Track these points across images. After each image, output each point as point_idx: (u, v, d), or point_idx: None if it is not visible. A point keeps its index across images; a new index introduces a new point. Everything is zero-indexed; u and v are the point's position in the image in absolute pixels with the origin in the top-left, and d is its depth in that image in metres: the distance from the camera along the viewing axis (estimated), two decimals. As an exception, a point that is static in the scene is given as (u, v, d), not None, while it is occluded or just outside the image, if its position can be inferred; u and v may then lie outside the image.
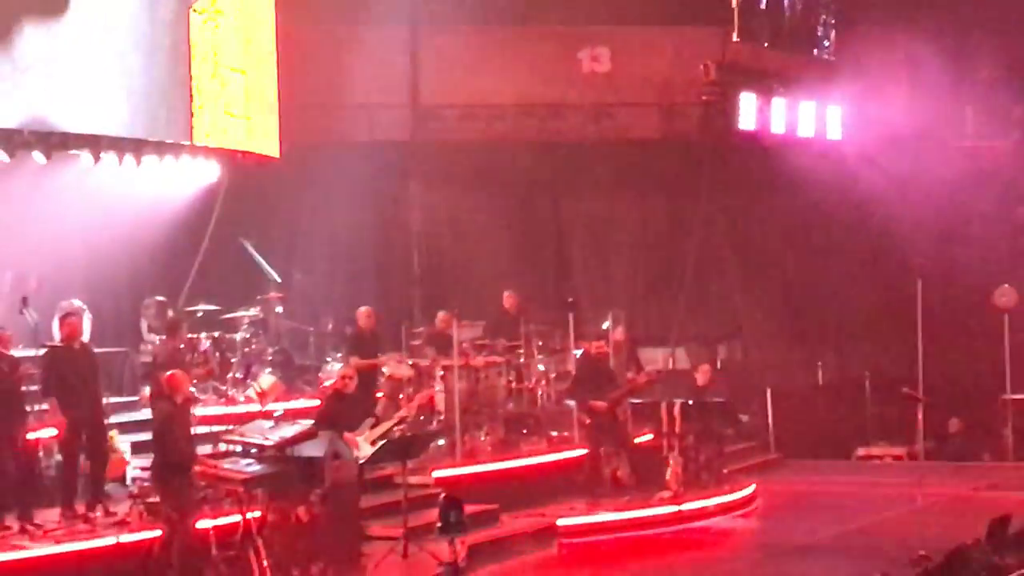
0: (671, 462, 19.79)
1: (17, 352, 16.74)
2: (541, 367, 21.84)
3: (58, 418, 16.13)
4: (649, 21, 26.67)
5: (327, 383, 20.37)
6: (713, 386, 21.23)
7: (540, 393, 21.81)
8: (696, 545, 18.27)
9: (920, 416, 16.05)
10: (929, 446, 17.48)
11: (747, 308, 26.95)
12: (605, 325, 22.10)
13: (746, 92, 27.02)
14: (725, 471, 20.92)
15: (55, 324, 19.30)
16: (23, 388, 16.24)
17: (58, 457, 16.90)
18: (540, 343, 22.00)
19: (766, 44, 28.27)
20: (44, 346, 17.69)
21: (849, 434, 26.41)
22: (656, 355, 24.46)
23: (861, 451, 26.17)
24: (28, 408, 16.42)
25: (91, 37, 20.84)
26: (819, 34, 29.69)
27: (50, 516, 16.04)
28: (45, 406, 16.56)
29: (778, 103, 27.51)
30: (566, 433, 20.92)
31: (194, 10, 22.22)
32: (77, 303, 19.67)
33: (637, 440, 20.44)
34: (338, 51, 25.18)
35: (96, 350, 17.47)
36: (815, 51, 29.64)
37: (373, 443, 16.88)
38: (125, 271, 22.28)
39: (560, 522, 18.45)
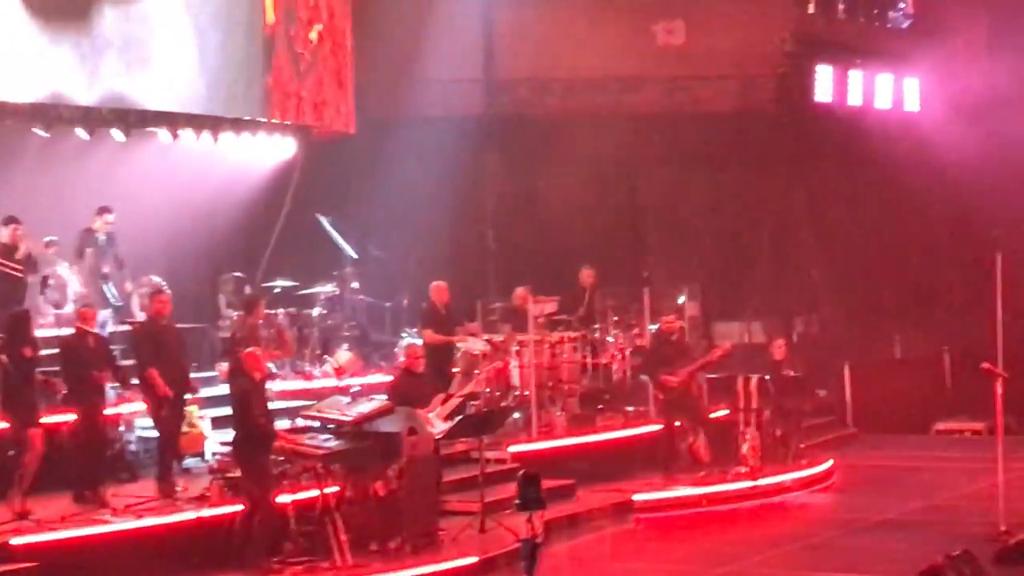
0: (747, 437, 19.78)
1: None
2: (615, 342, 21.82)
3: (150, 392, 16.28)
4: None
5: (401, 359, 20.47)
6: (789, 360, 21.14)
7: (615, 368, 21.79)
8: (772, 520, 18.25)
9: (999, 391, 15.89)
10: (1009, 421, 17.35)
11: (824, 282, 26.78)
12: (680, 300, 22.07)
13: (822, 64, 26.82)
14: (802, 446, 20.85)
15: (134, 300, 19.52)
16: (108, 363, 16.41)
17: (139, 432, 17.08)
18: (615, 318, 21.97)
19: (842, 15, 28.04)
20: (127, 322, 17.89)
21: (927, 408, 26.22)
22: (731, 329, 24.39)
23: (939, 426, 25.98)
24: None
25: (169, 15, 20.99)
26: (896, 4, 29.40)
27: (132, 491, 16.21)
28: (132, 382, 16.75)
29: (855, 75, 27.31)
30: (642, 408, 20.92)
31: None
32: (156, 280, 19.85)
33: (713, 415, 20.39)
34: (413, 25, 25.17)
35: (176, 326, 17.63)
36: (892, 21, 29.37)
37: (446, 418, 16.94)
38: (203, 247, 22.44)
39: (636, 497, 18.49)
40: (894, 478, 20.94)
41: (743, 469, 19.54)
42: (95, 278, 19.20)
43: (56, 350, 16.34)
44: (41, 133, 20.35)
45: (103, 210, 19.55)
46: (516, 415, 19.88)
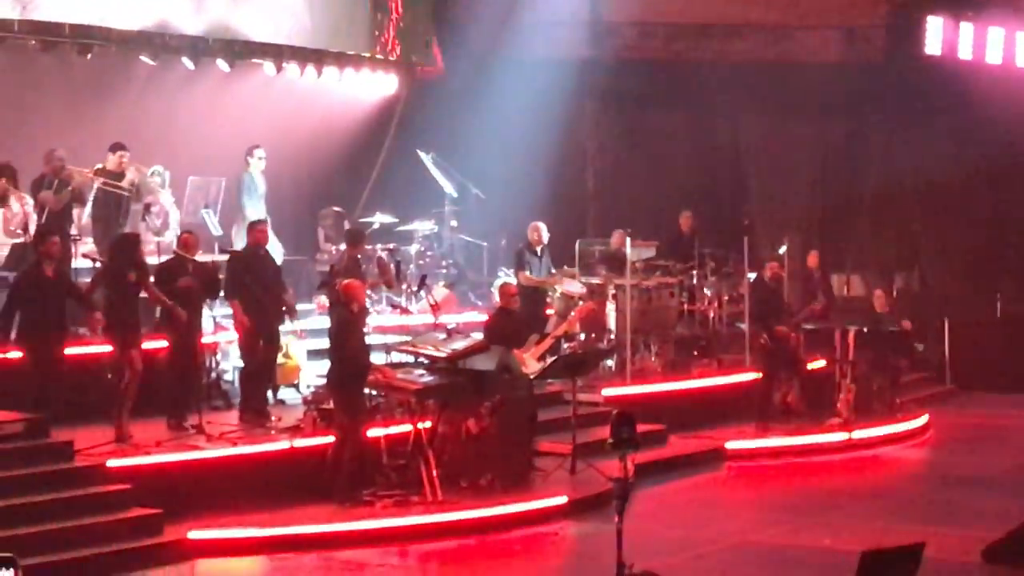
0: (843, 389, 19.64)
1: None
2: (713, 290, 21.70)
3: (243, 319, 16.37)
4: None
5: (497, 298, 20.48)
6: (889, 314, 20.95)
7: (712, 315, 21.69)
8: (864, 473, 18.12)
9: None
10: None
11: (926, 237, 26.48)
12: (782, 250, 21.90)
13: (933, 15, 26.40)
14: (898, 400, 20.69)
15: (234, 230, 19.62)
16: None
17: (236, 361, 17.18)
18: (714, 265, 21.85)
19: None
20: (225, 251, 17.98)
21: (1026, 368, 25.89)
22: (831, 281, 24.19)
23: (1038, 384, 25.66)
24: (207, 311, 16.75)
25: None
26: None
27: (227, 419, 16.34)
28: (227, 310, 16.87)
29: (966, 28, 26.85)
30: (737, 356, 20.80)
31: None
32: (255, 209, 19.93)
33: (810, 366, 20.24)
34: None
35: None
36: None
37: (540, 359, 16.91)
38: (304, 181, 22.55)
39: (729, 445, 18.44)
40: (989, 436, 20.71)
41: (837, 421, 19.42)
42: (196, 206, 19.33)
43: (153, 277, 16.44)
44: (148, 61, 20.48)
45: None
46: (610, 359, 19.84)
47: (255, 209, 19.29)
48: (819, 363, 20.33)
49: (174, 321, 15.79)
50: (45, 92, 20.00)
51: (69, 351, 15.46)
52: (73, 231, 17.74)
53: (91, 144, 18.76)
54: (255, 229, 16.95)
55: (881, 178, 26.13)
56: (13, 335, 14.98)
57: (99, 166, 18.17)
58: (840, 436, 19.08)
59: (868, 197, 26.03)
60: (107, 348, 15.58)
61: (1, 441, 14.02)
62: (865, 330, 19.97)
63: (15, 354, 15.11)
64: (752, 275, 20.89)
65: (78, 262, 17.37)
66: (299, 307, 17.85)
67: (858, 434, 19.17)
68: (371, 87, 23.39)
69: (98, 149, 18.54)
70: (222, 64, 21.19)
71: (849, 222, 25.68)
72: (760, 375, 19.77)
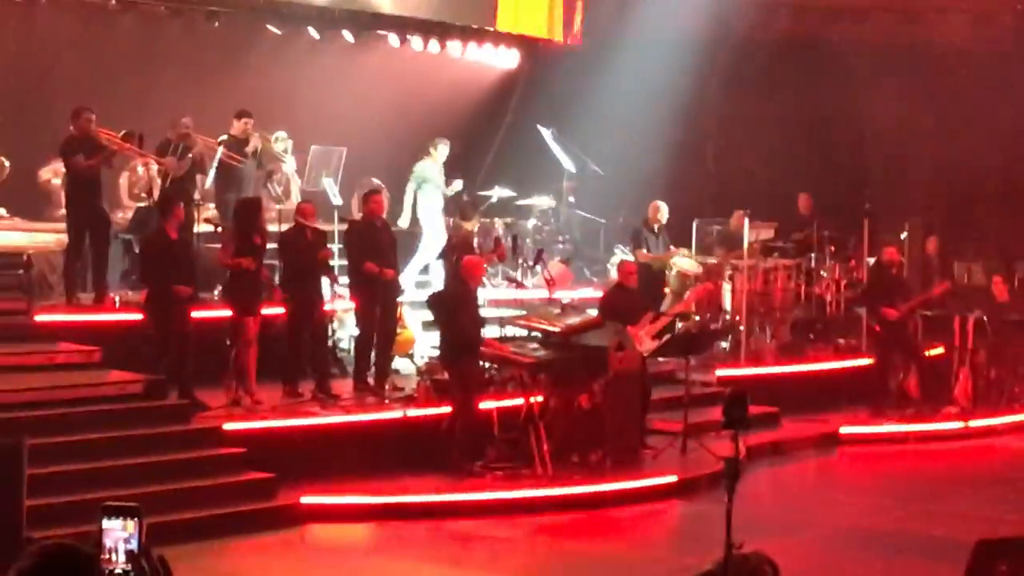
0: (960, 377, 19.43)
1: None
2: (831, 272, 21.53)
3: (360, 291, 16.47)
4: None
5: (614, 276, 20.46)
6: (1010, 303, 20.69)
7: (829, 299, 21.53)
8: (980, 461, 17.91)
9: None
10: None
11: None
12: (903, 235, 21.68)
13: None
14: (1016, 390, 20.42)
15: (354, 200, 19.76)
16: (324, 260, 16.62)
17: (352, 330, 17.31)
18: (832, 248, 21.67)
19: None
20: (344, 220, 18.11)
21: None
22: (952, 268, 23.90)
23: None
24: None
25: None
26: None
27: (342, 387, 16.47)
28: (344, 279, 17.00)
29: None
30: (853, 341, 20.64)
31: None
32: (376, 181, 20.06)
33: (927, 353, 20.03)
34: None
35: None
36: None
37: (654, 337, 16.90)
38: (423, 153, 22.62)
39: (843, 430, 18.32)
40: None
41: (954, 409, 19.22)
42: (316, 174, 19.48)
43: (275, 244, 16.59)
44: (274, 30, 20.67)
45: None
46: (725, 339, 19.76)
47: (430, 200, 19.41)
48: (937, 350, 20.11)
49: (294, 288, 15.94)
50: (172, 59, 20.25)
51: (198, 315, 15.63)
52: (196, 196, 17.96)
53: (216, 111, 18.96)
54: (370, 199, 17.00)
55: (1006, 165, 25.75)
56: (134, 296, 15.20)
57: (224, 137, 18.34)
58: (957, 424, 18.89)
59: (992, 184, 25.67)
60: (226, 313, 15.75)
61: (121, 401, 14.27)
62: (984, 318, 19.72)
63: (136, 316, 15.33)
64: (871, 260, 20.70)
65: (200, 227, 17.59)
66: (416, 278, 17.93)
67: (975, 423, 18.96)
68: (493, 60, 23.43)
69: (223, 116, 18.74)
70: (347, 35, 21.34)
71: (972, 209, 25.34)
72: (875, 360, 19.60)
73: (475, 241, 19.82)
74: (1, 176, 19.62)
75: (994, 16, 25.92)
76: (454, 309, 15.49)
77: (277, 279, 16.53)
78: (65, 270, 16.78)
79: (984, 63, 25.40)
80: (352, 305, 16.87)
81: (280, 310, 16.20)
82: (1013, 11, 25.80)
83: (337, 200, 19.33)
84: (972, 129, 25.79)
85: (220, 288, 16.68)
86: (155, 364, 14.78)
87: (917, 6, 26.13)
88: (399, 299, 17.18)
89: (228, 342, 15.58)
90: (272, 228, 17.66)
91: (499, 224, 20.83)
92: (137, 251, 16.93)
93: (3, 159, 19.63)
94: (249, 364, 15.36)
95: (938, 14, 26.04)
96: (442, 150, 19.80)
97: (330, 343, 17.46)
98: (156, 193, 17.69)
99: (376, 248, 16.46)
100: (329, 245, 16.98)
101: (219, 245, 16.43)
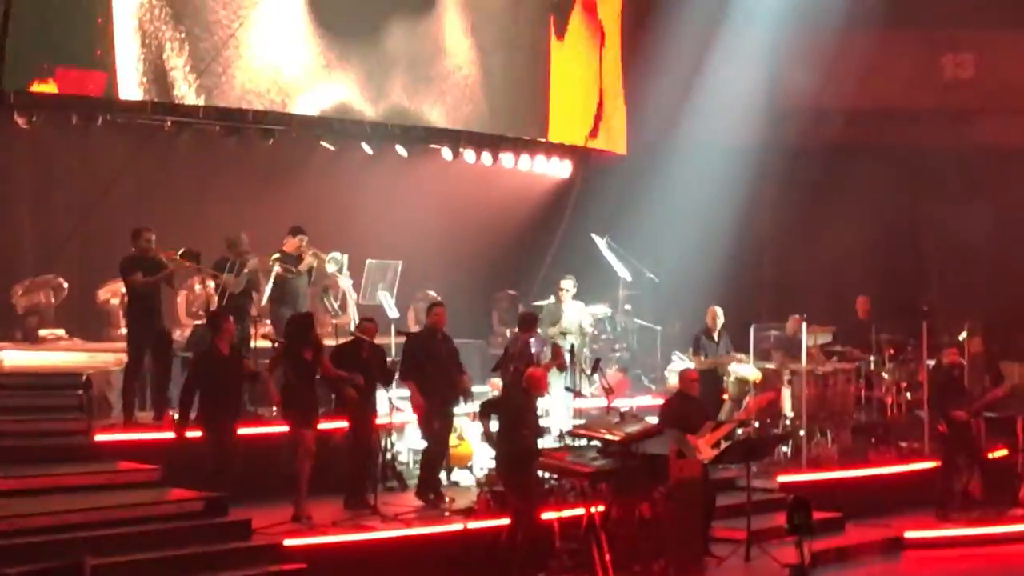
0: (1025, 479, 19.23)
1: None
2: (890, 376, 21.39)
3: (417, 403, 16.50)
4: (1015, 26, 25.85)
5: (672, 383, 20.40)
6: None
7: (890, 402, 21.36)
8: (1050, 565, 17.66)
9: None
10: None
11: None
12: (962, 336, 21.54)
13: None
14: (1083, 491, 20.16)
15: (410, 312, 19.81)
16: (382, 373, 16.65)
17: (410, 443, 17.27)
18: (892, 351, 21.54)
19: None
20: (402, 333, 18.14)
21: None
22: (1014, 369, 23.71)
23: None
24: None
25: (455, 34, 21.34)
26: None
27: (402, 500, 16.42)
28: (403, 391, 17.01)
29: None
30: (915, 444, 20.45)
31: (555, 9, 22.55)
32: (432, 293, 20.12)
33: (991, 455, 19.82)
34: (696, 50, 25.05)
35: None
36: None
37: (714, 445, 16.79)
38: (479, 264, 22.71)
39: (908, 534, 18.08)
40: None
41: (1020, 511, 18.98)
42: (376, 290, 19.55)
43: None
44: (327, 146, 20.84)
45: None
46: (786, 445, 19.63)
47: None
48: (1001, 452, 19.90)
49: (348, 401, 15.97)
50: (228, 176, 20.45)
51: (245, 430, 15.66)
52: (253, 312, 18.05)
53: (272, 228, 19.09)
54: (433, 312, 17.11)
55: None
56: (194, 414, 15.24)
57: (277, 255, 18.46)
58: (1023, 527, 18.63)
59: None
60: (284, 428, 15.77)
61: (182, 519, 14.26)
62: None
63: (195, 433, 15.36)
64: (931, 362, 20.56)
65: (257, 343, 17.65)
66: (474, 389, 17.92)
67: (1041, 525, 18.72)
68: (546, 171, 23.54)
69: (278, 233, 18.87)
70: (400, 149, 21.50)
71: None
72: (939, 463, 19.41)
73: (532, 350, 19.80)
74: (60, 297, 19.78)
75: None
76: (515, 419, 15.44)
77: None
78: (124, 389, 16.87)
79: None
80: (412, 417, 16.90)
81: (337, 424, 16.21)
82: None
83: (394, 313, 19.38)
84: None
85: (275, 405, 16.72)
86: (210, 481, 14.78)
87: (970, 106, 26.15)
88: (470, 409, 17.20)
89: (286, 456, 15.58)
90: (329, 342, 17.72)
91: (554, 333, 20.82)
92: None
93: (62, 280, 19.81)
94: (305, 478, 15.34)
95: (991, 115, 26.05)
96: (566, 285, 20.18)
97: (388, 456, 17.45)
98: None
99: (436, 359, 16.51)
100: (390, 358, 17.02)
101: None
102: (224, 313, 16.18)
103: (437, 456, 16.81)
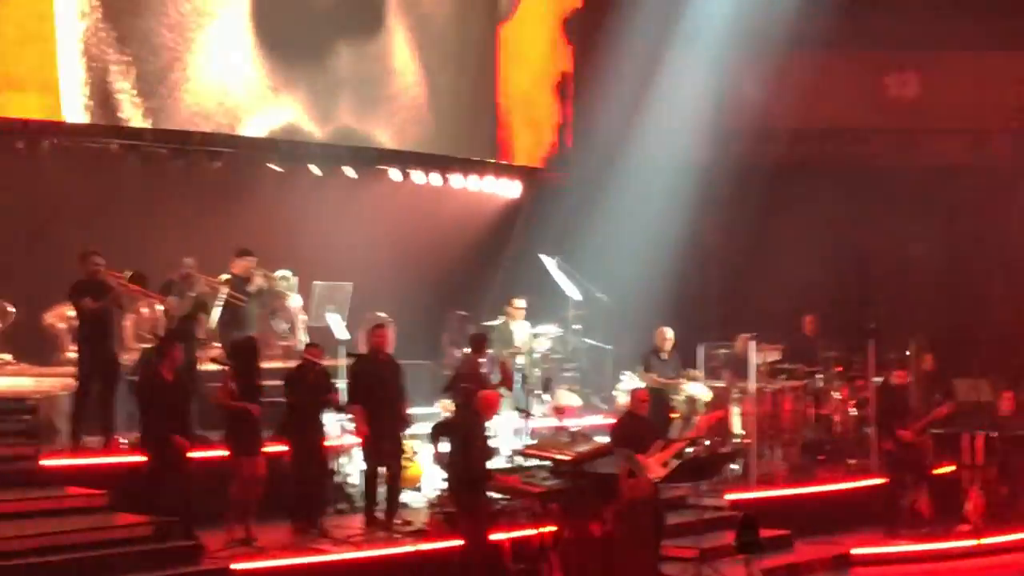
0: (972, 495, 19.33)
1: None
2: (838, 393, 21.50)
3: (363, 427, 16.47)
4: (958, 46, 26.07)
5: (622, 402, 20.44)
6: (1018, 418, 20.62)
7: (838, 419, 21.47)
8: (996, 580, 17.80)
9: None
10: None
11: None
12: (908, 353, 21.66)
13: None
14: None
15: (360, 334, 19.77)
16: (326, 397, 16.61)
17: (360, 465, 17.25)
18: (839, 369, 21.67)
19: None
20: (351, 355, 18.12)
21: None
22: (959, 385, 23.88)
23: None
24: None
25: (403, 55, 21.36)
26: None
27: (351, 523, 16.39)
28: (348, 415, 16.98)
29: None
30: (863, 461, 20.56)
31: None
32: (382, 315, 20.10)
33: (937, 471, 19.95)
34: (641, 73, 25.14)
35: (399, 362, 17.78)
36: None
37: (664, 464, 16.83)
38: (429, 284, 22.67)
39: (856, 551, 18.17)
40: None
41: (967, 527, 19.10)
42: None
43: (280, 382, 16.59)
44: (276, 168, 20.81)
45: None
46: (735, 463, 19.69)
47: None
48: (947, 468, 20.03)
49: (294, 424, 15.94)
50: (175, 199, 20.37)
51: (192, 455, 15.60)
52: (200, 336, 17.98)
53: (220, 250, 19.03)
54: (373, 333, 17.10)
55: (1010, 280, 25.81)
56: (134, 438, 15.19)
57: (225, 276, 18.40)
58: (969, 543, 18.75)
59: (996, 300, 25.72)
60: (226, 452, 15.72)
61: (131, 544, 14.18)
62: (994, 435, 19.67)
63: (141, 458, 15.29)
64: (878, 379, 20.68)
65: (205, 366, 17.59)
66: (423, 411, 17.92)
67: (988, 540, 18.82)
68: (496, 191, 23.57)
69: (227, 255, 18.81)
70: (349, 171, 21.48)
71: (977, 325, 25.37)
72: (887, 480, 19.53)
73: (484, 371, 19.81)
74: (7, 322, 19.66)
75: (990, 135, 26.13)
76: (465, 440, 15.44)
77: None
78: (73, 414, 16.78)
79: (983, 180, 25.57)
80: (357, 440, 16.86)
81: (284, 448, 16.17)
82: (1007, 129, 26.01)
83: (344, 335, 19.33)
84: (974, 246, 25.92)
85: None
86: (155, 505, 14.71)
87: (916, 126, 26.35)
88: (407, 432, 17.17)
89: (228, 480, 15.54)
90: (278, 365, 17.69)
91: (505, 354, 20.83)
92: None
93: (8, 305, 19.69)
94: (249, 504, 15.29)
95: (935, 134, 26.25)
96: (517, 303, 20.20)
97: (339, 479, 17.42)
98: (161, 334, 17.70)
99: (381, 381, 16.50)
100: (335, 381, 17.00)
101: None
102: (172, 340, 16.10)
103: (388, 478, 16.76)
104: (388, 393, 16.57)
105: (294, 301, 20.08)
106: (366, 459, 16.72)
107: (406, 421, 17.04)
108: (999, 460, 19.68)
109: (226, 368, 16.23)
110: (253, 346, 16.16)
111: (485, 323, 21.54)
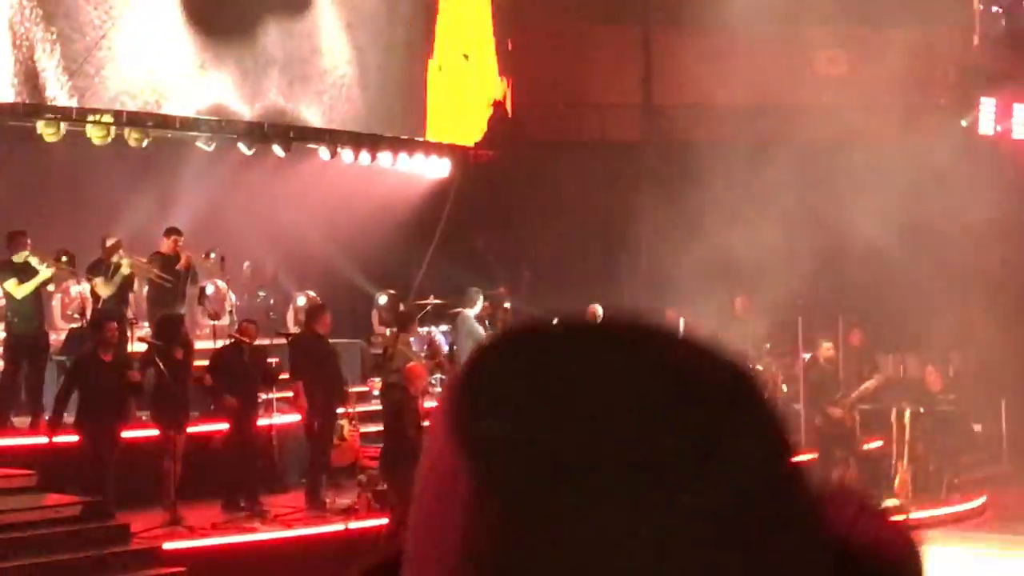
0: (900, 470, 19.50)
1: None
2: (769, 369, 21.59)
3: (302, 404, 16.44)
4: (887, 23, 26.22)
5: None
6: (945, 393, 20.81)
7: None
8: (924, 554, 17.88)
9: None
10: None
11: (983, 315, 26.30)
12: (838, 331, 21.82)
13: (986, 96, 26.41)
14: (955, 481, 20.49)
15: (290, 312, 19.73)
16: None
17: (291, 444, 17.21)
18: (768, 345, 21.77)
19: (1008, 47, 27.60)
20: (282, 334, 18.08)
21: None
22: (886, 361, 24.07)
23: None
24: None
25: (332, 33, 21.26)
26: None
27: (282, 501, 16.36)
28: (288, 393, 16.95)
29: (1020, 108, 26.83)
30: (793, 437, 20.63)
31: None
32: (312, 294, 20.05)
33: (866, 447, 20.12)
34: (572, 50, 25.18)
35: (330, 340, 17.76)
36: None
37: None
38: (358, 263, 22.63)
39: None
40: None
41: (895, 502, 19.25)
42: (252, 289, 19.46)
43: (208, 361, 16.52)
44: (204, 147, 20.69)
45: None
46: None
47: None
48: (876, 443, 20.19)
49: (225, 405, 15.90)
50: (102, 177, 20.21)
51: (126, 434, 15.51)
52: (129, 315, 17.87)
53: (148, 228, 18.93)
54: (322, 319, 17.09)
55: (936, 253, 25.99)
56: (70, 418, 15.09)
57: (153, 254, 18.28)
58: (898, 517, 18.89)
59: (924, 276, 25.90)
60: (154, 432, 15.65)
61: (59, 524, 14.10)
62: (921, 410, 19.85)
63: (72, 438, 15.19)
64: (807, 355, 20.81)
65: (134, 346, 17.49)
66: (354, 390, 17.90)
67: (916, 515, 18.97)
68: (424, 170, 23.54)
69: (155, 233, 18.70)
70: (277, 149, 21.39)
71: (903, 301, 25.55)
72: (816, 455, 19.67)
73: (413, 349, 19.79)
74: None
75: (918, 112, 26.32)
76: (395, 416, 15.42)
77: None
78: (-1, 393, 16.65)
79: (910, 156, 25.73)
80: (294, 418, 16.84)
81: (217, 426, 16.12)
82: (936, 106, 26.18)
83: (272, 314, 19.30)
84: (902, 219, 26.07)
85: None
86: (91, 486, 14.62)
87: (843, 103, 26.50)
88: (343, 411, 17.19)
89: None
90: (207, 344, 17.61)
91: (436, 332, 20.84)
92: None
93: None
94: (170, 480, 15.23)
95: (864, 111, 26.40)
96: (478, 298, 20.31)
97: (269, 457, 17.38)
98: (89, 314, 17.57)
99: (320, 362, 16.50)
100: (270, 359, 16.97)
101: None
102: (107, 319, 15.99)
103: (318, 456, 16.75)
104: (328, 374, 16.56)
105: (221, 280, 19.96)
106: (307, 437, 16.71)
107: (346, 399, 17.02)
108: (927, 436, 19.85)
109: (152, 345, 16.16)
110: (178, 321, 16.07)
111: (418, 301, 21.55)
